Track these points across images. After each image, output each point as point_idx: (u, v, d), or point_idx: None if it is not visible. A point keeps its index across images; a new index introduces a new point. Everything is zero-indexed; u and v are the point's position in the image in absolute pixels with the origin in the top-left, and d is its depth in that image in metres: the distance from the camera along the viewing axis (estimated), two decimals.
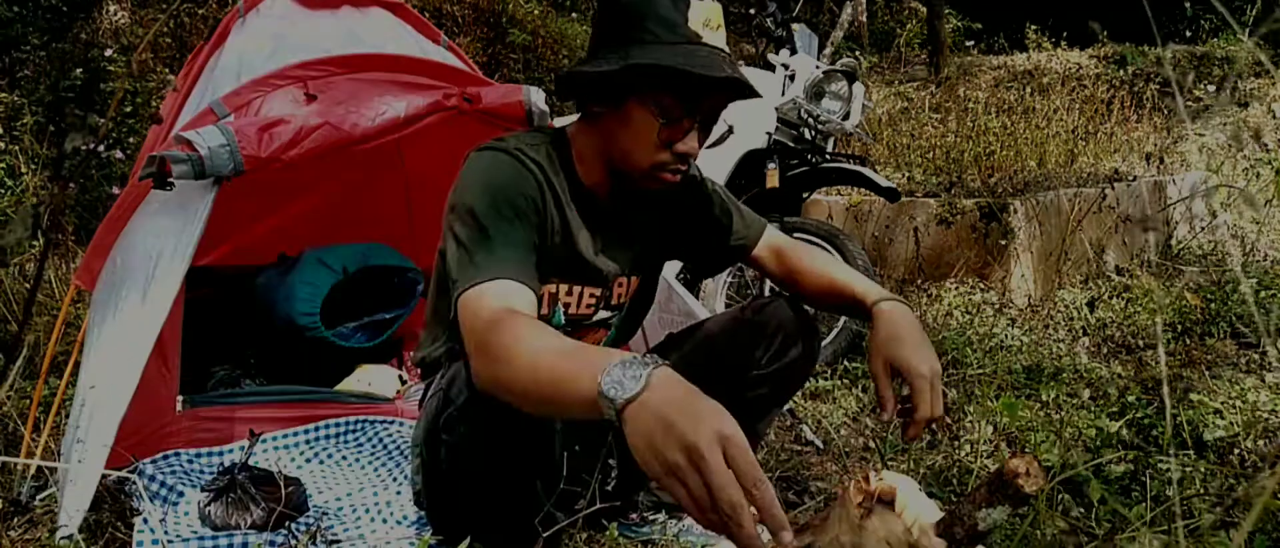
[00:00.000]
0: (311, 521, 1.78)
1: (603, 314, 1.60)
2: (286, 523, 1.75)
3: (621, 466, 1.63)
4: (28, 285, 3.12)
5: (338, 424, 2.24)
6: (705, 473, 0.83)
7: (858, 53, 9.25)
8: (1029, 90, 7.17)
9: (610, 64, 1.32)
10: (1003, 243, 3.70)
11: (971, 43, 10.25)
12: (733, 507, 0.82)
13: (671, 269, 2.51)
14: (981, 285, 3.68)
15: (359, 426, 2.26)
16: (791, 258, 1.63)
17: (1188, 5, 8.23)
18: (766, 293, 3.08)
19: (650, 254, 1.65)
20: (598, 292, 1.55)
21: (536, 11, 8.10)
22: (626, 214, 1.54)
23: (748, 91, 1.36)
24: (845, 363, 2.85)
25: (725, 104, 1.41)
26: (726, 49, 1.37)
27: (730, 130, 3.22)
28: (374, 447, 2.21)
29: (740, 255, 1.67)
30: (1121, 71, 8.11)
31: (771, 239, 1.67)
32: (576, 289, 1.52)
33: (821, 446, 2.20)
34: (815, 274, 1.58)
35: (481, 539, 1.38)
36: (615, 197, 1.51)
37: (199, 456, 2.05)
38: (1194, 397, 2.12)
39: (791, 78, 3.23)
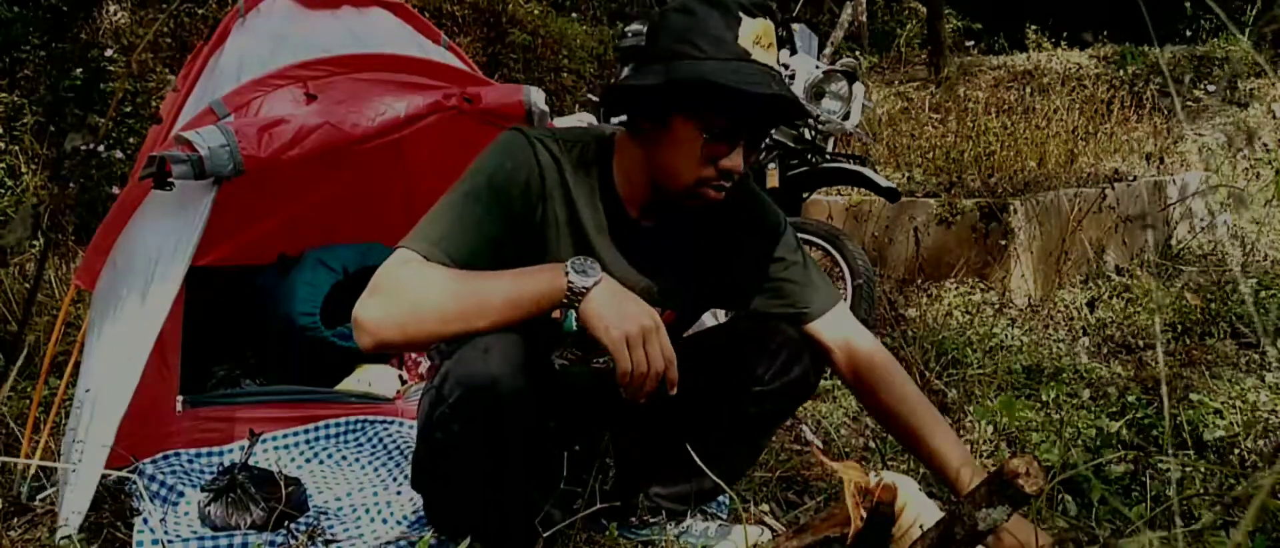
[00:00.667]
0: (311, 521, 1.78)
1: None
2: (286, 523, 1.75)
3: (619, 465, 1.63)
4: (28, 286, 3.12)
5: (338, 424, 2.24)
6: (649, 344, 1.22)
7: (858, 53, 9.24)
8: (1029, 90, 7.17)
9: (656, 78, 1.31)
10: (1003, 243, 3.70)
11: (971, 43, 10.24)
12: (660, 371, 1.23)
13: None
14: (981, 285, 3.68)
15: (359, 426, 2.26)
16: (868, 372, 1.50)
17: (1188, 5, 8.22)
18: None
19: (689, 289, 1.56)
20: None
21: (536, 11, 8.10)
22: (664, 239, 1.48)
23: (797, 110, 1.35)
24: None
25: (774, 123, 1.40)
26: (777, 67, 1.35)
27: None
28: (374, 447, 2.21)
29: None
30: (1121, 72, 8.10)
31: (843, 332, 1.52)
32: None
33: (821, 446, 2.19)
34: (902, 417, 1.48)
35: (480, 538, 1.38)
36: (654, 216, 1.46)
37: (199, 456, 2.05)
38: (1194, 397, 2.12)
39: (791, 78, 3.23)
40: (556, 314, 1.26)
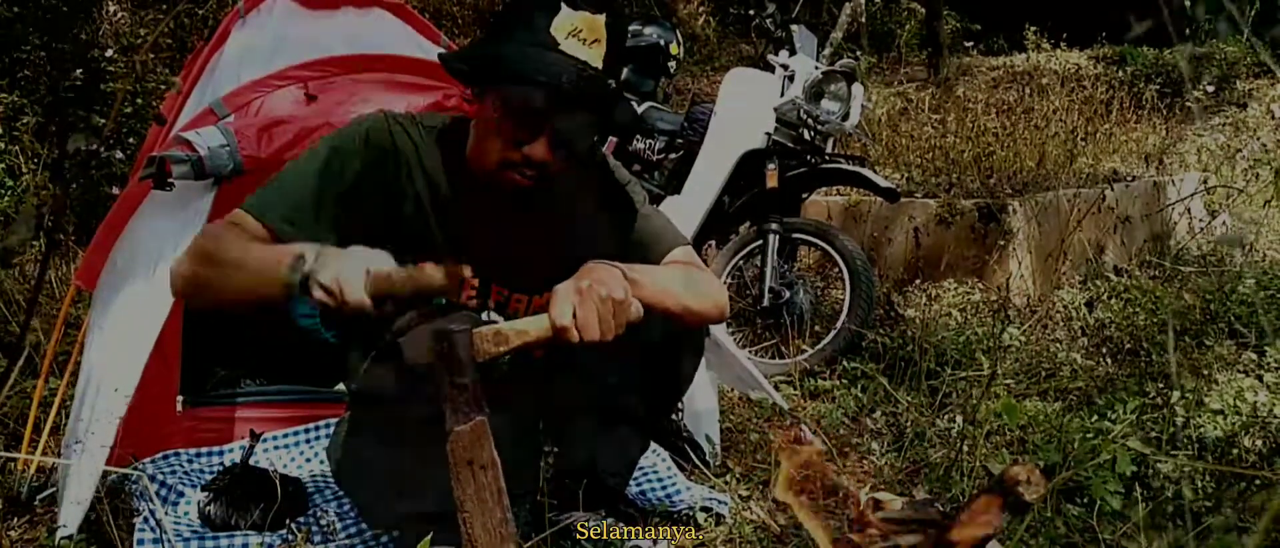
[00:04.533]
0: (311, 520, 1.78)
1: (493, 316, 1.52)
2: (286, 523, 1.75)
3: (563, 452, 1.57)
4: (28, 286, 3.12)
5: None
6: (336, 298, 1.23)
7: (857, 53, 9.25)
8: (1028, 91, 7.17)
9: (464, 55, 1.43)
10: (1001, 243, 3.70)
11: (970, 43, 10.24)
12: (352, 307, 1.23)
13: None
14: (980, 286, 3.68)
15: None
16: None
17: (1188, 5, 8.23)
18: (766, 291, 3.08)
19: (557, 264, 1.48)
20: (474, 283, 1.52)
21: None
22: (524, 215, 1.49)
23: (608, 110, 1.39)
24: (845, 363, 2.85)
25: (594, 126, 1.43)
26: (589, 63, 1.35)
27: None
28: None
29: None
30: (1121, 72, 8.11)
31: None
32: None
33: (821, 446, 2.19)
34: None
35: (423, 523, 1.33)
36: (513, 194, 1.46)
37: (199, 455, 2.05)
38: (1193, 397, 2.12)
39: (791, 78, 3.23)
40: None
